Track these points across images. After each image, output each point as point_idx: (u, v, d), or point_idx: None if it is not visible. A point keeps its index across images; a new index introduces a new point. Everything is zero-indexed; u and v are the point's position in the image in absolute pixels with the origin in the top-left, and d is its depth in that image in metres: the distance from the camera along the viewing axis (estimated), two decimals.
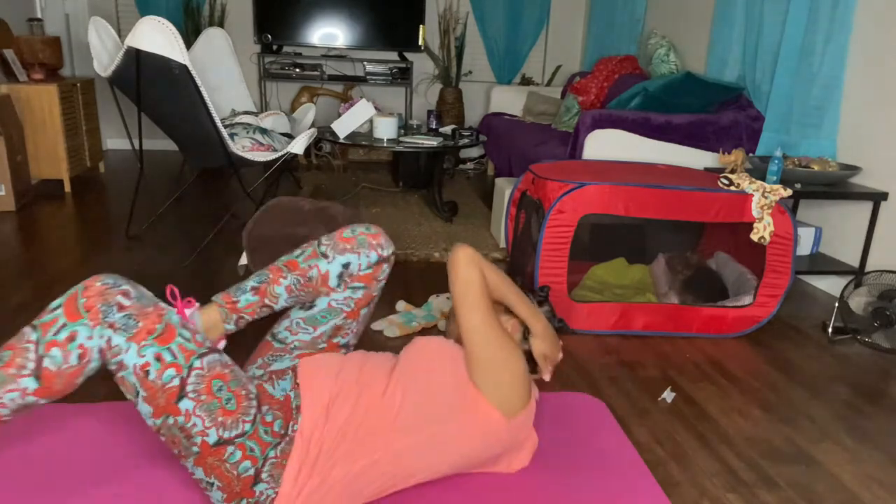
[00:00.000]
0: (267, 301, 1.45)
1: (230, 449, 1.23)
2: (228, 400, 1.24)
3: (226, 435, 1.23)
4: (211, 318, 1.43)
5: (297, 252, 1.47)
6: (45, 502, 1.38)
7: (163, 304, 1.27)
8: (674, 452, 1.72)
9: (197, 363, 1.22)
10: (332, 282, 1.46)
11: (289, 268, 1.45)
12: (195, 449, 1.23)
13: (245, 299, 1.44)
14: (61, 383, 1.18)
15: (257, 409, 1.27)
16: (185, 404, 1.20)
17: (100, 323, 1.18)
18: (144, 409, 1.22)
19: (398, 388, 1.34)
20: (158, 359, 1.19)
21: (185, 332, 1.24)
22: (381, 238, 1.49)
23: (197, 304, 1.45)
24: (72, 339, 1.17)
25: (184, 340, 1.23)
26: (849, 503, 1.56)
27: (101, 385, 1.85)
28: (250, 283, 1.46)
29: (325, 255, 1.45)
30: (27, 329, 1.20)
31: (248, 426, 1.24)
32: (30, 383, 1.17)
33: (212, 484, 1.26)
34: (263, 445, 1.26)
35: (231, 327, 1.46)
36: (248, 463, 1.24)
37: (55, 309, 1.19)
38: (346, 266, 1.45)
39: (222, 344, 1.49)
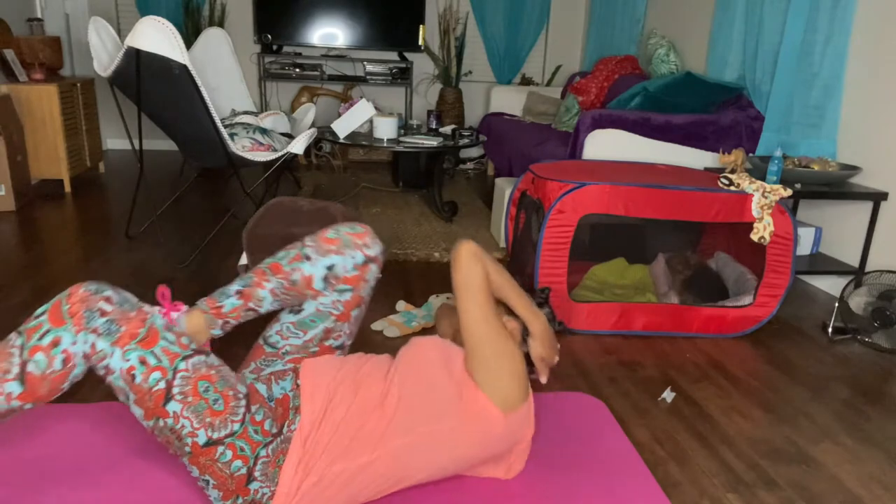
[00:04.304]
0: (251, 305, 1.44)
1: (220, 449, 1.24)
2: (216, 401, 1.24)
3: (215, 435, 1.23)
4: (195, 323, 1.42)
5: (282, 254, 1.45)
6: (45, 502, 1.38)
7: (147, 309, 1.28)
8: (674, 452, 1.71)
9: (182, 365, 1.23)
10: (317, 285, 1.44)
11: (272, 271, 1.43)
12: (187, 449, 1.24)
13: (230, 303, 1.43)
14: (46, 388, 1.19)
15: (246, 408, 1.27)
16: (173, 406, 1.21)
17: (83, 328, 1.19)
18: (136, 411, 1.24)
19: (395, 388, 1.34)
20: (143, 362, 1.20)
21: (168, 335, 1.24)
22: (367, 237, 1.47)
23: (185, 308, 1.44)
24: (56, 344, 1.18)
25: (168, 343, 1.23)
26: (849, 503, 1.56)
27: (101, 384, 1.85)
28: (235, 286, 1.45)
29: (307, 258, 1.42)
30: (13, 335, 1.21)
31: (237, 426, 1.25)
32: (14, 387, 1.18)
33: (208, 482, 1.26)
34: (254, 444, 1.26)
35: (217, 332, 1.45)
36: (239, 462, 1.24)
37: (40, 315, 1.21)
38: (330, 268, 1.43)
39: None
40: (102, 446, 1.59)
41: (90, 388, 1.84)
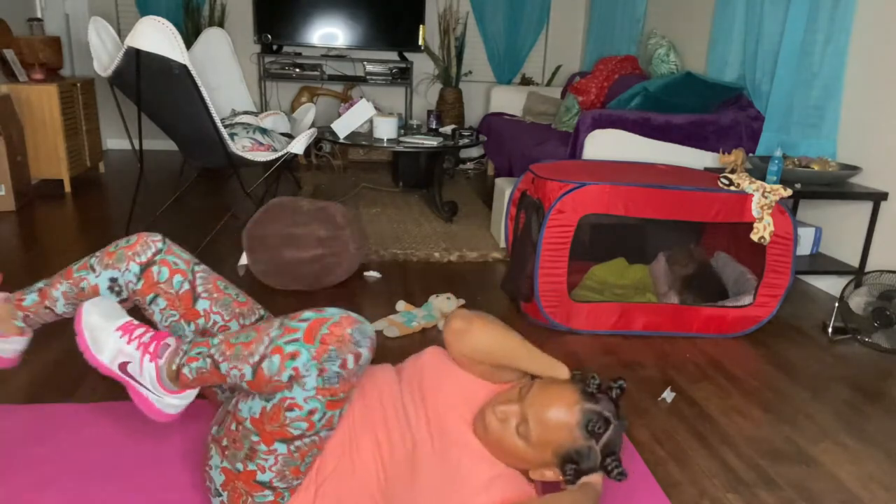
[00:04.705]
0: (47, 303, 1.45)
1: (267, 492, 1.23)
2: (307, 465, 1.23)
3: (276, 483, 1.22)
4: (5, 311, 1.45)
5: (75, 262, 1.47)
6: (45, 502, 1.38)
7: (357, 383, 1.20)
8: (674, 452, 1.71)
9: (322, 434, 1.20)
10: (103, 293, 1.43)
11: (64, 276, 1.45)
12: (239, 466, 1.21)
13: (30, 298, 1.46)
14: (269, 389, 1.15)
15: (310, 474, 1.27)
16: (280, 447, 1.19)
17: (319, 361, 1.12)
18: (250, 408, 1.19)
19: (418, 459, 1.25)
20: (311, 413, 1.16)
21: (346, 409, 1.23)
22: (138, 246, 1.44)
23: (1, 294, 1.47)
24: (293, 357, 1.12)
25: (338, 415, 1.20)
26: (849, 503, 1.56)
27: (100, 384, 1.85)
28: (39, 283, 1.47)
29: (92, 269, 1.44)
30: (277, 322, 1.18)
31: (297, 483, 1.24)
32: (248, 372, 1.15)
33: (220, 495, 1.26)
34: (292, 493, 1.26)
35: (20, 324, 1.47)
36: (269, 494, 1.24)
37: (305, 320, 1.15)
38: (113, 280, 1.43)
39: (21, 340, 1.48)
40: (103, 446, 1.59)
41: (90, 388, 1.85)
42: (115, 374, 1.28)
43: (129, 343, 1.27)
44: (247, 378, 1.15)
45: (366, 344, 1.15)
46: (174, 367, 1.23)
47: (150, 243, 1.45)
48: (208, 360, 1.19)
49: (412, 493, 1.20)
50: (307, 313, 1.17)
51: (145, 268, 1.43)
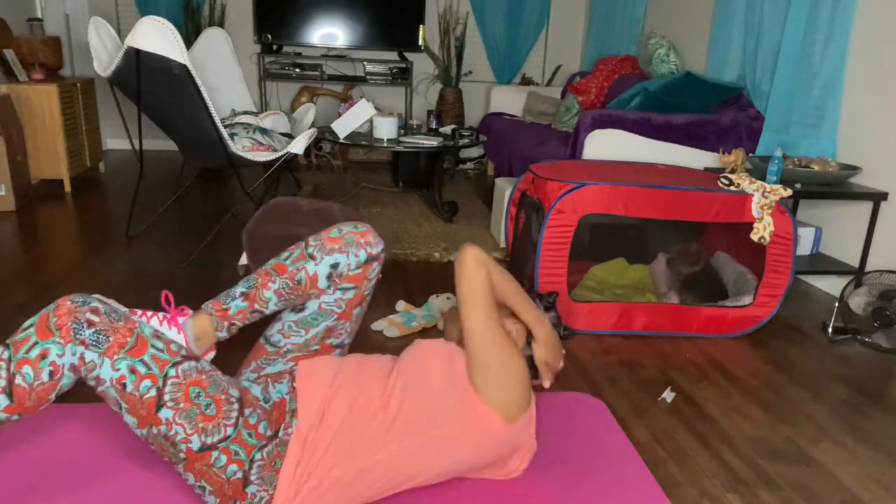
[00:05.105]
0: (257, 306, 1.44)
1: (215, 454, 1.24)
2: (207, 406, 1.24)
3: (208, 440, 1.23)
4: (202, 327, 1.43)
5: (286, 254, 1.45)
6: (43, 503, 1.38)
7: (134, 318, 1.26)
8: (674, 452, 1.71)
9: (171, 372, 1.22)
10: (322, 283, 1.44)
11: (277, 271, 1.43)
12: (182, 455, 1.24)
13: (235, 306, 1.43)
14: (33, 400, 1.18)
15: (239, 412, 1.27)
16: (165, 413, 1.21)
17: (71, 340, 1.18)
18: (129, 419, 1.23)
19: (396, 391, 1.34)
20: (133, 371, 1.19)
21: (157, 343, 1.24)
22: (370, 235, 1.47)
23: (190, 312, 1.45)
24: (43, 356, 1.17)
25: (156, 351, 1.23)
26: (849, 503, 1.56)
27: None
28: (239, 288, 1.45)
29: (312, 257, 1.42)
30: None
31: (230, 430, 1.25)
32: (2, 400, 1.17)
33: (204, 489, 1.26)
34: (248, 448, 1.26)
35: (223, 335, 1.45)
36: (234, 466, 1.24)
37: (27, 328, 1.20)
38: (334, 266, 1.43)
39: (211, 355, 1.49)
40: (99, 447, 1.59)
41: (87, 388, 1.84)
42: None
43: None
44: (2, 406, 1.18)
45: (90, 299, 1.23)
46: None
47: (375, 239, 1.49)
48: None
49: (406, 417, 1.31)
50: (27, 323, 1.22)
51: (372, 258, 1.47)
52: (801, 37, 3.03)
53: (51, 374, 1.17)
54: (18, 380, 1.16)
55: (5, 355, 1.18)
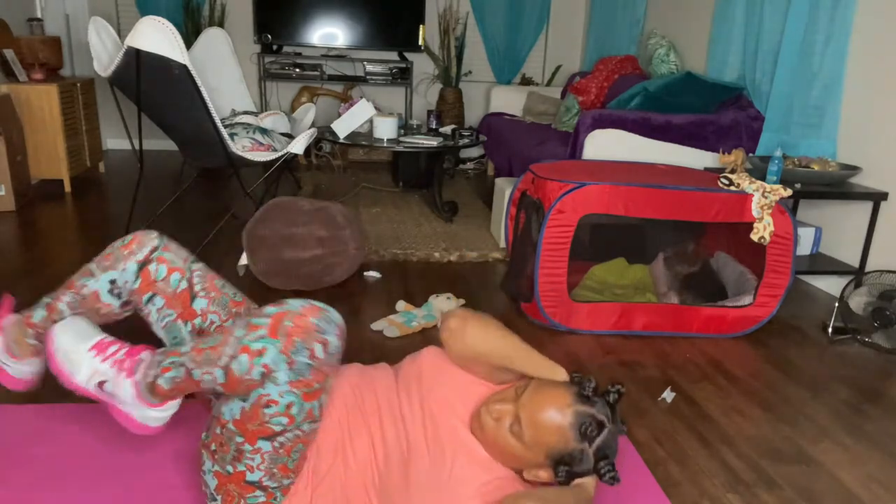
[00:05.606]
0: (55, 317, 1.44)
1: (258, 493, 1.22)
2: (295, 462, 1.22)
3: (266, 482, 1.21)
4: (16, 331, 1.44)
5: (77, 273, 1.47)
6: (44, 503, 1.38)
7: (331, 372, 1.20)
8: (674, 452, 1.71)
9: (305, 427, 1.19)
10: (105, 298, 1.43)
11: (67, 287, 1.45)
12: (229, 469, 1.21)
13: (38, 314, 1.44)
14: (242, 388, 1.14)
15: (308, 486, 1.26)
16: (264, 445, 1.18)
17: (287, 354, 1.11)
18: (230, 411, 1.18)
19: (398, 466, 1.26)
20: (288, 407, 1.14)
21: (325, 399, 1.20)
22: (134, 244, 1.45)
23: (12, 316, 1.45)
24: (261, 353, 1.11)
25: (318, 407, 1.19)
26: (849, 503, 1.56)
27: None
28: (46, 299, 1.46)
29: (92, 274, 1.43)
30: (243, 320, 1.16)
31: (287, 482, 1.24)
32: (219, 375, 1.14)
33: (214, 499, 1.25)
34: (284, 493, 1.25)
35: (33, 342, 1.45)
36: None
37: (267, 315, 1.14)
38: (112, 282, 1.42)
39: (38, 364, 1.47)
40: (102, 446, 1.59)
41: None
42: (92, 394, 1.27)
43: (103, 361, 1.26)
44: (219, 381, 1.14)
45: (332, 331, 1.15)
46: (150, 381, 1.22)
47: (146, 241, 1.45)
48: (181, 369, 1.18)
49: (406, 493, 1.19)
50: (269, 308, 1.16)
51: (143, 266, 1.43)
52: (801, 37, 3.03)
53: (262, 374, 1.11)
54: (234, 365, 1.12)
55: (238, 333, 1.14)
